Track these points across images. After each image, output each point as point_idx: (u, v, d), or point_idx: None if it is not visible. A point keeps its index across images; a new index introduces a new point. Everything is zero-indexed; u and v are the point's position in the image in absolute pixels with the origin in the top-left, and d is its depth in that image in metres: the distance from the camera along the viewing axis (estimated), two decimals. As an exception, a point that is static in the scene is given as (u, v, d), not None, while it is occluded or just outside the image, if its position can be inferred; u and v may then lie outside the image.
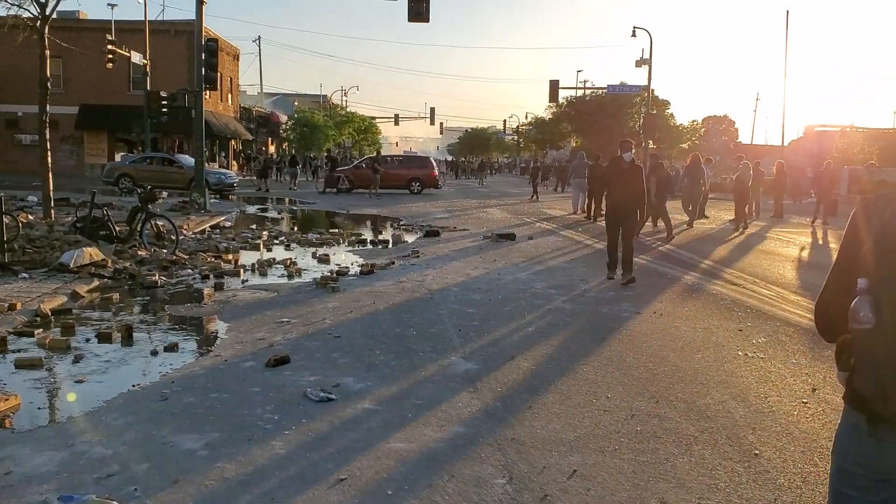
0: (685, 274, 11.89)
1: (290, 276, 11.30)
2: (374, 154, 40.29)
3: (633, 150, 10.63)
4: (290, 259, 12.63)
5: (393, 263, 12.45)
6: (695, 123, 74.03)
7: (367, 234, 17.07)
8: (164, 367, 6.45)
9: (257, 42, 76.63)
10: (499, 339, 7.42)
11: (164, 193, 24.90)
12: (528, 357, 6.76)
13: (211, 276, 10.97)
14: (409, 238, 16.69)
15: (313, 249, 14.26)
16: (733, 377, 6.25)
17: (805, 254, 15.27)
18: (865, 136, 47.39)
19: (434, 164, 38.17)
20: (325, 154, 52.05)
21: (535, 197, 32.17)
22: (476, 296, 9.75)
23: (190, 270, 11.45)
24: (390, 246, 15.22)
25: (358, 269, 11.73)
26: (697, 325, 8.23)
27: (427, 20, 23.46)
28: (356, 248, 14.82)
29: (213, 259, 12.66)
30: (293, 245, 14.99)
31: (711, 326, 8.15)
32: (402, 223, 20.64)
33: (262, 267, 11.85)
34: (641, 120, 65.24)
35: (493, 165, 71.04)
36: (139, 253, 12.62)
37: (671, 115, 70.02)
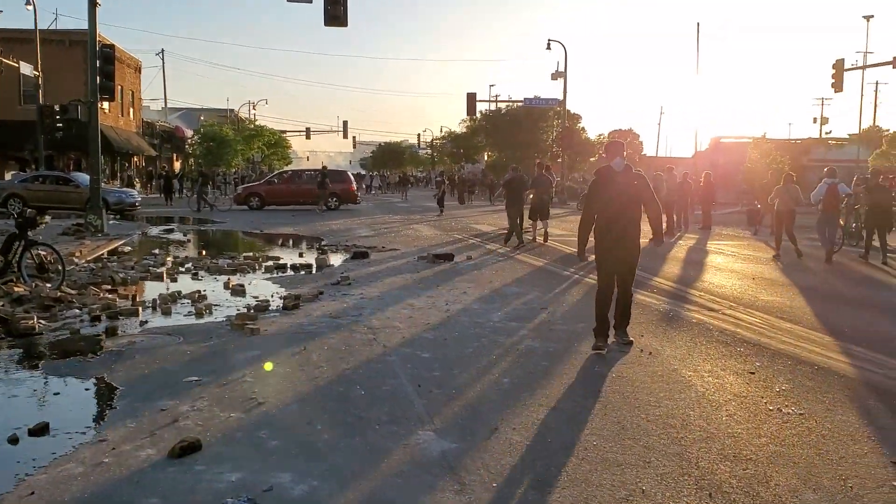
0: (649, 297, 10.62)
1: (198, 315, 9.46)
2: (322, 167, 38.08)
3: (626, 153, 7.77)
4: (199, 291, 10.78)
5: (321, 293, 10.75)
6: (602, 137, 74.74)
7: (287, 258, 15.28)
8: (24, 464, 4.64)
9: (160, 55, 72.23)
10: (471, 399, 5.86)
11: (48, 217, 22.51)
12: (517, 426, 5.23)
13: (103, 318, 9.07)
14: (335, 260, 14.99)
15: (225, 278, 12.40)
16: (783, 446, 4.88)
17: (758, 269, 14.32)
18: (777, 146, 48.07)
19: (352, 178, 36.42)
20: (198, 170, 48.99)
21: (441, 212, 31.21)
22: (428, 334, 8.18)
23: (77, 310, 9.50)
24: (314, 271, 13.48)
25: (280, 303, 9.99)
26: (701, 367, 6.87)
27: (345, 24, 21.86)
28: (275, 275, 13.02)
29: (107, 294, 10.72)
30: (202, 273, 13.06)
31: (717, 369, 6.81)
32: (324, 243, 18.88)
33: (166, 303, 9.97)
34: (555, 134, 65.52)
35: (411, 180, 69.59)
36: (16, 290, 10.54)
37: (583, 129, 70.48)
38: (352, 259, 15.15)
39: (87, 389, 6.31)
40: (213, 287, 11.54)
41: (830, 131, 75.73)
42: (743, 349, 7.58)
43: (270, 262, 14.31)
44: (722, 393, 6.05)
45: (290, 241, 20.35)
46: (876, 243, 15.90)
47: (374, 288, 11.34)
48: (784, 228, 16.16)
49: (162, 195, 39.75)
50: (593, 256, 7.81)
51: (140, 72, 55.90)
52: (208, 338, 8.04)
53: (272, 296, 10.72)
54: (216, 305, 9.97)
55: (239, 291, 11.08)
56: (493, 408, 5.62)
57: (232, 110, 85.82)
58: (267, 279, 12.56)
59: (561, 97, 51.59)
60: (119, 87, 48.75)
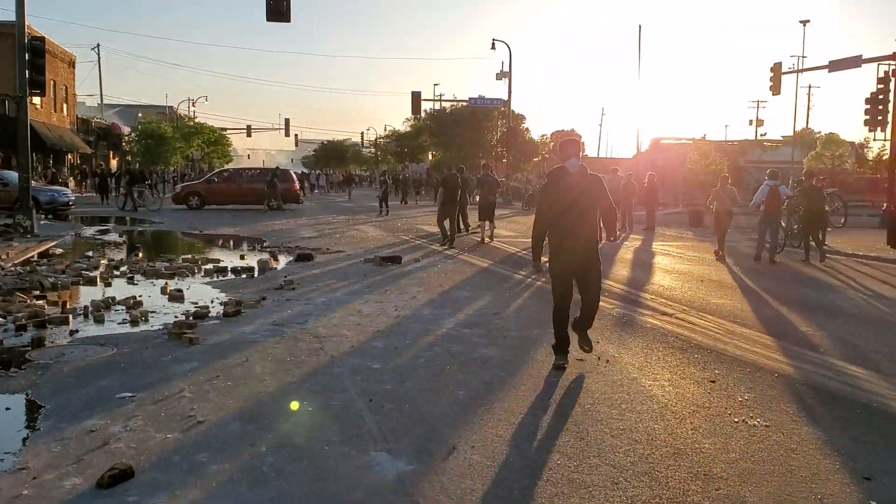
0: (601, 301, 10.44)
1: (134, 322, 8.94)
2: (275, 167, 37.26)
3: (582, 153, 7.15)
4: (135, 297, 10.23)
5: (264, 299, 10.31)
6: (544, 138, 75.27)
7: (228, 260, 14.74)
8: (-69, 497, 4.18)
9: (96, 49, 69.46)
10: (426, 414, 5.54)
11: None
12: (476, 444, 4.94)
13: (29, 327, 8.50)
14: (278, 263, 14.51)
15: (163, 282, 11.84)
16: (753, 462, 4.68)
17: (705, 270, 14.34)
18: (715, 148, 48.91)
19: (294, 177, 35.74)
20: (126, 168, 47.53)
21: (384, 212, 30.82)
22: (377, 342, 7.83)
23: (1, 319, 8.90)
24: (257, 274, 12.99)
25: (221, 310, 9.52)
26: (660, 376, 6.69)
27: (288, 20, 21.37)
28: (216, 279, 12.50)
29: (35, 301, 10.10)
30: (138, 277, 12.46)
31: (677, 378, 6.63)
32: (266, 245, 18.34)
33: (99, 310, 9.40)
34: (499, 134, 65.62)
35: (356, 179, 68.90)
36: (-68, 296, 9.87)
37: (527, 129, 70.82)
38: (296, 262, 14.70)
39: (7, 409, 5.80)
40: (149, 292, 10.99)
41: (766, 133, 77.83)
42: (700, 356, 7.44)
43: (210, 266, 13.76)
44: (684, 404, 5.86)
45: (231, 243, 19.73)
46: (813, 243, 16.17)
47: (319, 293, 10.94)
48: (719, 228, 16.39)
49: (97, 194, 38.49)
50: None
51: (74, 66, 54.13)
52: (144, 348, 7.56)
53: (212, 301, 10.24)
54: (153, 312, 9.45)
55: (177, 297, 10.56)
56: (450, 424, 5.32)
57: (171, 107, 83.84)
58: (207, 283, 12.04)
59: (505, 97, 51.65)
60: (51, 81, 47.10)
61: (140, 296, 10.47)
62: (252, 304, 9.86)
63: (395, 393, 6.04)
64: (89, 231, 22.42)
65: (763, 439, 5.07)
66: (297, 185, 35.20)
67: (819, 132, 66.50)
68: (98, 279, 12.08)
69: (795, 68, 37.73)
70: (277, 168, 36.64)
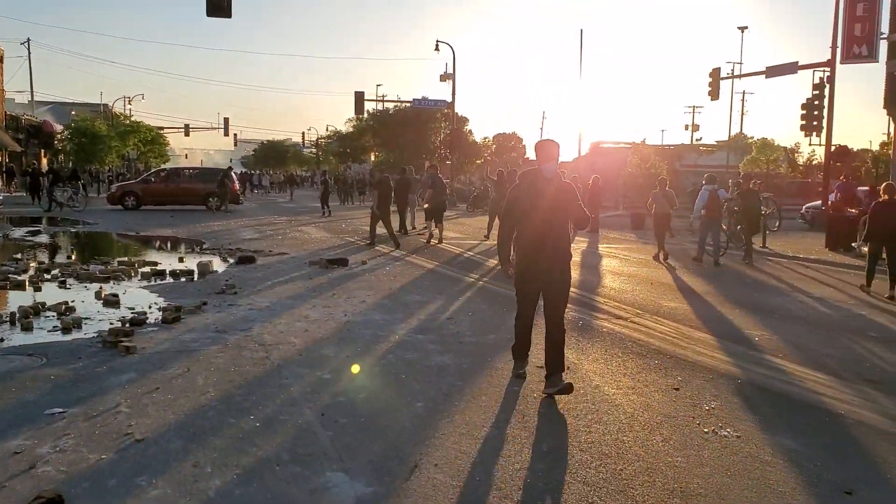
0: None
1: (65, 330, 8.38)
2: (227, 167, 36.33)
3: (559, 159, 6.25)
4: (67, 303, 9.66)
5: (205, 304, 9.84)
6: (486, 140, 75.48)
7: (166, 263, 14.14)
8: None
9: (26, 45, 66.57)
10: (383, 429, 5.22)
11: None
12: (439, 461, 4.64)
13: (-52, 335, 7.91)
14: (219, 266, 13.98)
15: (97, 286, 11.24)
16: (729, 476, 4.50)
17: (653, 272, 14.32)
18: (655, 152, 49.62)
19: (234, 177, 34.89)
20: (48, 167, 45.98)
21: (326, 213, 30.36)
22: (327, 350, 7.47)
23: (-84, 326, 8.27)
24: (197, 278, 12.45)
25: (159, 316, 9.03)
26: (623, 383, 6.50)
27: (229, 15, 20.69)
28: (153, 283, 11.93)
29: (-46, 306, 9.45)
30: (70, 281, 11.82)
31: (640, 385, 6.45)
32: (205, 246, 17.73)
33: (27, 316, 8.82)
34: (442, 135, 65.53)
35: (297, 180, 67.81)
36: None
37: (470, 131, 70.96)
38: (237, 265, 14.19)
39: (-78, 428, 5.29)
40: (82, 297, 10.41)
41: (701, 138, 79.31)
42: (660, 361, 7.28)
43: (148, 269, 13.17)
44: (651, 413, 5.66)
45: (170, 245, 19.04)
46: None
47: (263, 297, 10.51)
48: (659, 231, 16.51)
49: (28, 194, 36.98)
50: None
51: (2, 61, 52.05)
52: (76, 358, 7.06)
53: (150, 307, 9.73)
54: (86, 319, 8.91)
55: (112, 302, 10.00)
56: (410, 439, 5.01)
57: (106, 105, 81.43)
58: (144, 287, 11.48)
59: (449, 99, 51.47)
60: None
61: (72, 301, 9.91)
62: (192, 310, 9.39)
63: (350, 405, 5.70)
64: (18, 232, 21.41)
65: (736, 451, 4.90)
66: (238, 186, 34.36)
67: (752, 137, 68.22)
68: (27, 283, 11.41)
69: (733, 74, 38.35)
70: (229, 168, 35.91)
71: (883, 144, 51.80)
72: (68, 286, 11.41)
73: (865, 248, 12.88)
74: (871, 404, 6.03)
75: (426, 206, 20.21)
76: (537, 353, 7.35)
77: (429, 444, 4.92)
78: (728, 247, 17.62)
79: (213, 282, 11.91)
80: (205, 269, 12.98)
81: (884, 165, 41.97)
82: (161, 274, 12.69)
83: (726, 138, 65.87)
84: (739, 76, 37.33)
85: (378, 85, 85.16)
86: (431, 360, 7.13)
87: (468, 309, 9.86)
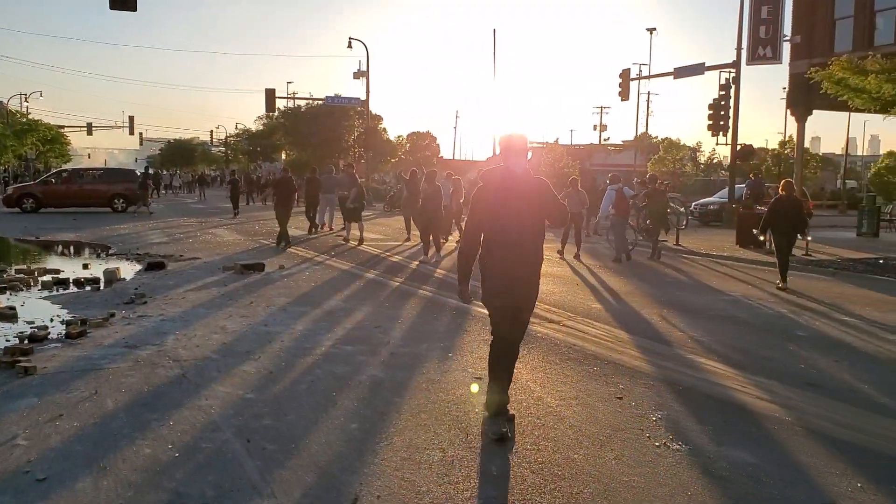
0: (479, 307, 10.02)
1: (-46, 349, 7.62)
2: (146, 168, 34.83)
3: (530, 154, 5.66)
4: (-45, 318, 8.83)
5: (113, 315, 9.16)
6: (400, 139, 75.23)
7: (69, 270, 13.25)
8: None
9: None
10: (317, 455, 4.81)
11: None
12: (381, 492, 4.27)
13: None
14: (127, 273, 13.16)
15: (-9, 298, 10.39)
16: (690, 497, 4.29)
17: (575, 273, 14.28)
18: (568, 151, 50.28)
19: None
20: None
21: (237, 214, 29.51)
22: (248, 366, 6.98)
23: None
24: (103, 287, 11.66)
25: (63, 330, 8.33)
26: (565, 393, 6.26)
27: (133, 8, 19.67)
28: (55, 294, 11.10)
29: None
30: (-41, 293, 10.89)
31: (583, 395, 6.22)
32: (112, 252, 16.78)
33: None
34: (356, 134, 64.75)
35: (207, 179, 65.65)
36: None
37: (384, 129, 70.53)
38: (146, 271, 13.40)
39: None
40: (-27, 311, 9.55)
41: (609, 138, 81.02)
42: (598, 368, 7.09)
43: (49, 277, 12.29)
44: (598, 427, 5.43)
45: (73, 250, 17.96)
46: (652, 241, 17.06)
47: (176, 307, 9.87)
48: (567, 230, 16.83)
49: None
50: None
51: None
52: (-34, 382, 6.36)
53: (52, 320, 8.99)
54: (-23, 336, 8.14)
55: (9, 315, 9.20)
56: (347, 466, 4.62)
57: (2, 103, 77.19)
58: (45, 298, 10.65)
59: (363, 97, 50.86)
60: None
61: (-39, 315, 9.07)
62: (99, 323, 8.70)
63: (277, 430, 5.26)
64: None
65: (692, 466, 4.70)
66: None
67: (656, 137, 70.10)
68: None
69: (641, 75, 39.14)
70: (148, 168, 34.57)
71: (780, 143, 53.90)
72: (-42, 298, 10.48)
73: (762, 237, 13.42)
74: (819, 411, 5.96)
75: (349, 205, 19.81)
76: (474, 363, 7.06)
77: (368, 471, 4.54)
78: (637, 242, 17.95)
79: (122, 291, 11.17)
80: (112, 277, 12.19)
81: (784, 164, 43.67)
82: (64, 283, 11.84)
83: (632, 138, 67.54)
84: (648, 77, 38.16)
85: (289, 82, 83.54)
86: (363, 374, 6.74)
87: (396, 316, 9.49)
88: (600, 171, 50.49)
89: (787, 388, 6.56)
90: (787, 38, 26.21)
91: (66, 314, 9.38)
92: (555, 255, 16.40)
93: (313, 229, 22.26)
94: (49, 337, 8.05)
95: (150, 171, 34.11)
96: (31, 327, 8.55)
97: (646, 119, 76.40)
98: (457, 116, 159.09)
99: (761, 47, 26.96)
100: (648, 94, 73.84)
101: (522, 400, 6.03)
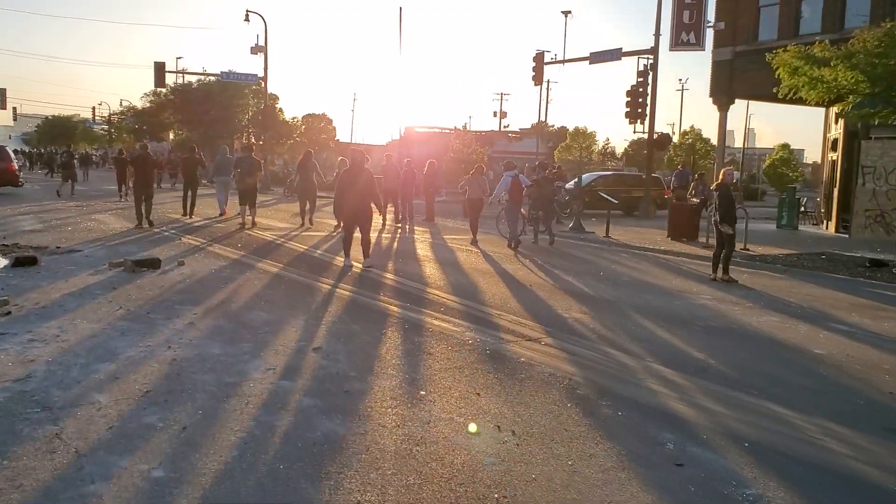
0: (433, 318, 8.35)
1: None
2: (65, 147, 31.26)
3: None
4: None
5: (-39, 335, 6.95)
6: (295, 120, 72.62)
7: None
8: None
9: None
10: None
11: None
12: None
13: None
14: (-14, 271, 10.73)
15: None
16: None
17: (520, 270, 12.78)
18: (479, 137, 49.12)
19: (12, 155, 29.81)
20: None
21: (123, 198, 26.63)
22: (152, 415, 5.02)
23: None
24: (-47, 290, 9.29)
25: None
26: (602, 461, 4.63)
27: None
28: None
29: None
30: None
31: (626, 461, 4.60)
32: (-30, 242, 14.09)
33: None
34: (250, 113, 61.53)
35: (94, 159, 60.63)
36: None
37: (281, 109, 67.69)
38: (13, 267, 10.98)
39: None
40: None
41: (508, 125, 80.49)
42: (624, 412, 5.49)
43: None
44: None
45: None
46: (543, 227, 17.52)
47: (50, 320, 7.69)
48: (473, 216, 17.36)
49: None
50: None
51: None
52: None
53: None
54: None
55: None
56: None
57: None
58: None
59: (260, 73, 47.90)
60: None
61: None
62: (-61, 347, 6.49)
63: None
64: None
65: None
66: (15, 165, 29.37)
67: (552, 126, 70.04)
68: None
69: (556, 59, 38.04)
70: (69, 146, 31.06)
71: (682, 133, 54.38)
72: None
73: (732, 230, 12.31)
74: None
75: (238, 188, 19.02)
76: (458, 405, 5.35)
77: None
78: (524, 232, 17.84)
79: (-24, 296, 8.83)
80: (-36, 277, 9.78)
81: (691, 154, 43.75)
82: None
83: (529, 126, 67.03)
84: (563, 62, 37.04)
85: (179, 58, 78.56)
86: (315, 428, 4.89)
87: (336, 331, 7.63)
88: (502, 158, 49.63)
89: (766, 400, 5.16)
90: (711, 24, 25.54)
91: None
92: (470, 247, 15.49)
93: (190, 214, 20.62)
94: None
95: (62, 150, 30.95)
96: None
97: (545, 107, 75.83)
98: (354, 99, 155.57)
99: (684, 33, 26.23)
100: (548, 81, 73.66)
101: (539, 476, 4.35)
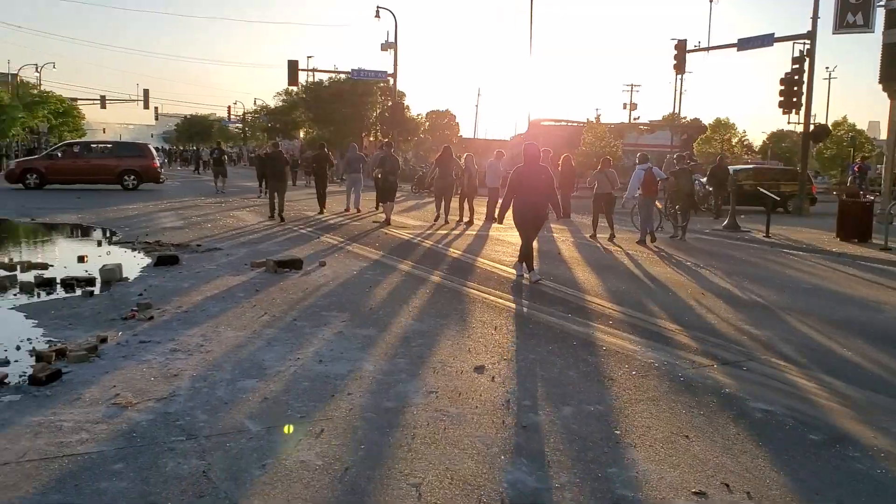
0: (602, 332, 7.37)
1: None
2: (218, 143, 32.74)
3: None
4: None
5: (104, 342, 6.54)
6: (420, 117, 72.71)
7: (60, 264, 10.70)
8: None
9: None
10: None
11: None
12: None
13: None
14: (131, 268, 10.54)
15: (-51, 307, 7.83)
16: None
17: (676, 274, 11.58)
18: (611, 130, 47.38)
19: (154, 153, 30.81)
20: None
21: (263, 194, 26.79)
22: (308, 451, 4.31)
23: None
24: (99, 290, 9.07)
25: (28, 370, 5.71)
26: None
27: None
28: (35, 300, 8.50)
29: None
30: (-90, 298, 8.30)
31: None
32: (116, 238, 14.19)
33: None
34: (379, 110, 61.90)
35: (232, 156, 62.70)
36: None
37: (407, 106, 67.89)
38: (155, 266, 10.78)
39: None
40: (-82, 328, 7.00)
41: (639, 117, 77.67)
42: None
43: (32, 275, 9.71)
44: None
45: (70, 235, 15.43)
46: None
47: (192, 327, 7.23)
48: (604, 212, 16.62)
49: None
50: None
51: None
52: None
53: (19, 347, 6.40)
54: None
55: (-40, 340, 6.60)
56: None
57: (14, 74, 74.72)
58: (21, 308, 8.05)
59: (389, 69, 47.95)
60: None
61: None
62: (81, 356, 6.07)
63: None
64: None
65: None
66: (157, 162, 30.31)
67: (685, 117, 66.89)
68: None
69: (696, 47, 35.86)
70: (220, 143, 32.28)
71: (834, 125, 50.61)
72: None
73: None
74: None
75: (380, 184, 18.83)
76: (692, 464, 4.37)
77: None
78: (661, 227, 17.01)
79: (121, 297, 8.55)
80: (111, 277, 9.58)
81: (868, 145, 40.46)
82: (49, 284, 9.24)
83: (660, 118, 64.25)
84: (707, 49, 34.87)
85: (309, 56, 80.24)
86: (499, 477, 4.03)
87: (497, 348, 6.79)
88: (633, 151, 47.65)
89: None
90: (882, 3, 23.14)
91: (40, 336, 6.78)
92: (657, 258, 13.97)
93: (321, 211, 20.65)
94: (6, 381, 5.44)
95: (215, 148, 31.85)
96: (-14, 361, 5.98)
97: (679, 98, 72.64)
98: (478, 94, 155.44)
99: (850, 14, 23.89)
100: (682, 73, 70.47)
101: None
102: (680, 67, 34.84)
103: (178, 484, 3.87)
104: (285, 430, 4.64)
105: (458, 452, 4.34)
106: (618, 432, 4.75)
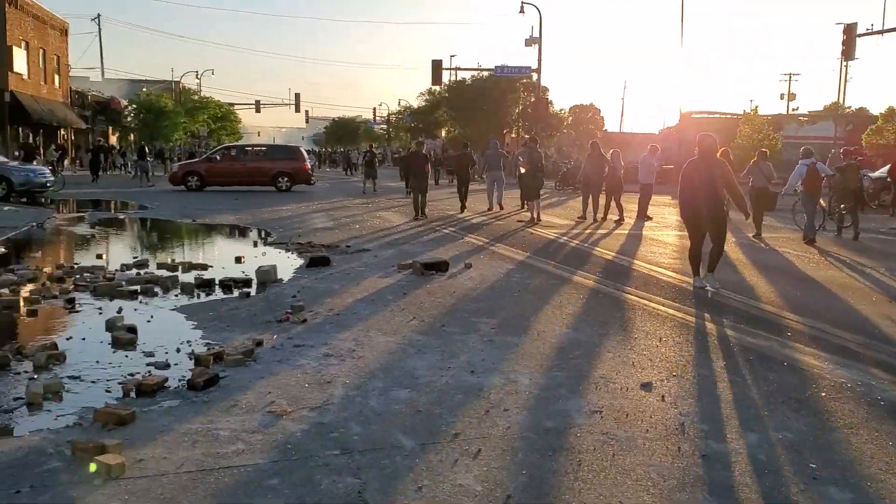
0: (779, 344, 6.68)
1: (33, 403, 5.17)
2: (370, 146, 34.48)
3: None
4: (55, 344, 6.48)
5: (259, 346, 6.54)
6: (562, 112, 71.48)
7: (219, 265, 11.02)
8: None
9: (97, 20, 65.64)
10: None
11: None
12: None
13: None
14: (285, 269, 10.70)
15: (117, 306, 8.13)
16: None
17: (845, 277, 10.52)
18: (769, 122, 44.72)
19: (305, 155, 31.81)
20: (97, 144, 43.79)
21: (408, 194, 27.00)
22: (464, 473, 4.02)
23: None
24: (255, 291, 9.22)
25: (187, 374, 5.75)
26: None
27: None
28: (194, 301, 8.72)
29: None
30: (82, 298, 8.68)
31: None
32: (272, 239, 14.58)
33: (-15, 373, 5.69)
34: (521, 106, 61.45)
35: (379, 157, 64.22)
36: None
37: (550, 101, 66.86)
38: (307, 267, 10.91)
39: None
40: (88, 327, 7.29)
41: (797, 108, 73.05)
42: None
43: (192, 276, 10.03)
44: None
45: (228, 235, 16.02)
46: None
47: (343, 330, 7.15)
48: (757, 206, 15.74)
49: (92, 172, 35.02)
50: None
51: (67, 35, 50.11)
52: (15, 484, 3.82)
53: (179, 349, 6.50)
54: (75, 378, 5.71)
55: (126, 341, 6.75)
56: None
57: (177, 81, 79.85)
58: (181, 309, 8.27)
59: (533, 65, 47.43)
60: (40, 50, 43.40)
61: (69, 338, 6.78)
62: (238, 360, 6.07)
63: None
64: (59, 219, 18.68)
65: None
66: (308, 164, 31.26)
67: (850, 107, 62.16)
68: (21, 304, 8.26)
69: (869, 31, 33.14)
70: (371, 146, 33.74)
71: None
72: (78, 307, 8.26)
73: None
74: None
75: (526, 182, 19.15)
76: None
77: None
78: (823, 227, 16.12)
79: (276, 299, 8.64)
80: (266, 279, 9.73)
81: None
82: (208, 284, 9.49)
83: (821, 108, 60.09)
84: (881, 32, 32.18)
85: (452, 56, 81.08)
86: (684, 516, 3.61)
87: (664, 362, 6.27)
88: (792, 145, 44.75)
89: None
90: None
91: (199, 339, 6.88)
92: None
93: (462, 209, 20.64)
94: (166, 387, 5.48)
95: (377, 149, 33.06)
96: (147, 361, 6.10)
97: (843, 87, 67.78)
98: (625, 87, 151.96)
99: None
100: (843, 61, 65.68)
101: None
102: (849, 53, 32.51)
103: (330, 496, 3.67)
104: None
105: (630, 484, 3.92)
106: (813, 465, 4.17)
